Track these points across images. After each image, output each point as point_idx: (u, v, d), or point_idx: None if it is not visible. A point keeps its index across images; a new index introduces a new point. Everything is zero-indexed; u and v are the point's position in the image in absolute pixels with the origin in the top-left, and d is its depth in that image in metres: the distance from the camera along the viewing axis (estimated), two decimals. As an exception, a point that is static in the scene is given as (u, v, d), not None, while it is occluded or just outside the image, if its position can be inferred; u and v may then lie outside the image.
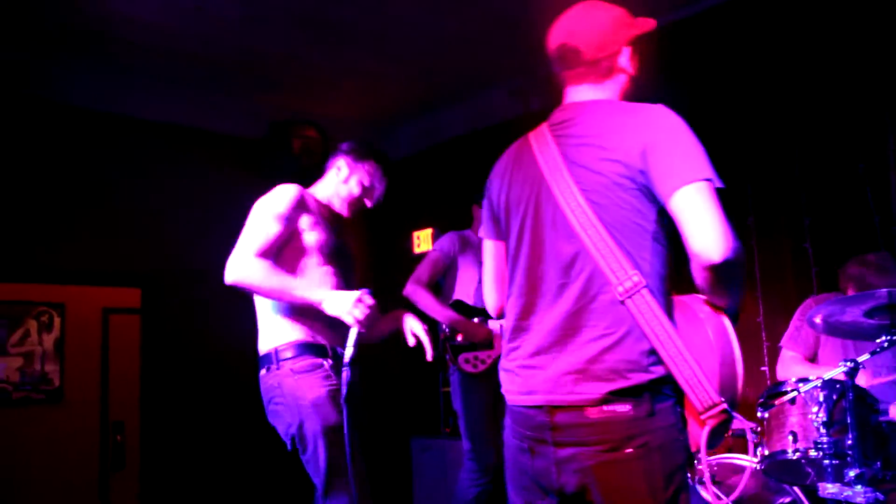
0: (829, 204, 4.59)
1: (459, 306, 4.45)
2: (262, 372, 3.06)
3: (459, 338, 4.37)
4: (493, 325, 4.45)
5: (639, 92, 2.23)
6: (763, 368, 4.70)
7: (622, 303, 1.91)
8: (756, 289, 4.85)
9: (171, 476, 5.81)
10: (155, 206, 5.99)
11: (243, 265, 2.90)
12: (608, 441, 1.90)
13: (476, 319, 4.42)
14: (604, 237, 1.93)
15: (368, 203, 3.35)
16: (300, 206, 3.11)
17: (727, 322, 1.98)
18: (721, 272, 1.86)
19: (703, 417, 1.87)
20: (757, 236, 4.86)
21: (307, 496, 4.31)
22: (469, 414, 4.36)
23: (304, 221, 3.10)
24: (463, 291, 4.52)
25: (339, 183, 3.32)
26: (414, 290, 4.40)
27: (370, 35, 5.32)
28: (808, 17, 4.58)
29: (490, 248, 2.32)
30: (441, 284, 4.66)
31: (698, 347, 1.92)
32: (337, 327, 2.99)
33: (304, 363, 2.97)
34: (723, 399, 1.87)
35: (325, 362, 2.99)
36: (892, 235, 4.26)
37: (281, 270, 2.95)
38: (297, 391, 2.94)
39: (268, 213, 3.02)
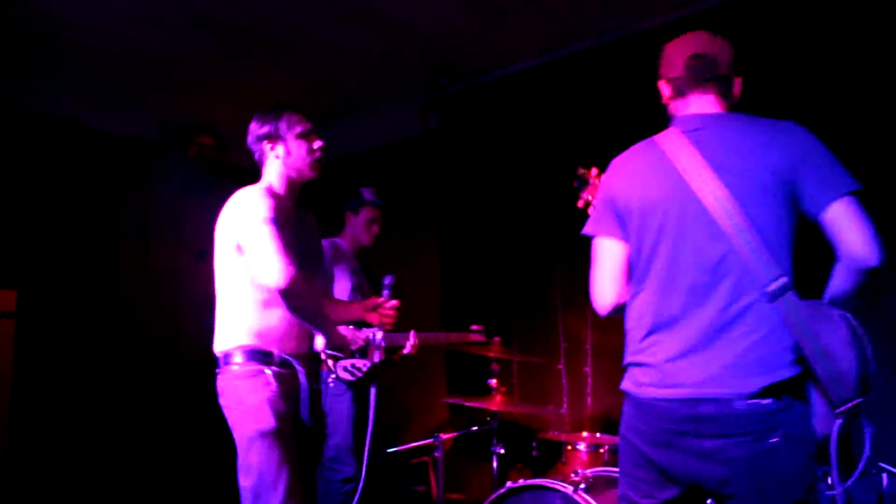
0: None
1: None
2: (217, 373, 3.06)
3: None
4: (367, 333, 4.50)
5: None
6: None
7: (770, 302, 2.07)
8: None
9: (38, 493, 5.63)
10: (35, 205, 5.84)
11: (292, 272, 2.84)
12: (753, 432, 2.04)
13: (350, 328, 4.46)
14: (753, 239, 2.09)
15: (319, 144, 3.21)
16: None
17: (858, 323, 2.12)
18: (874, 275, 2.05)
19: (837, 411, 2.03)
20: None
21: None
22: (340, 421, 4.37)
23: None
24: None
25: (283, 163, 3.16)
26: None
27: (267, 44, 5.33)
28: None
29: (609, 247, 2.39)
30: None
31: (836, 345, 2.06)
32: (294, 337, 3.07)
33: (247, 368, 2.97)
34: (859, 395, 2.03)
35: (267, 369, 2.96)
36: (805, 247, 4.58)
37: None
38: (237, 394, 2.95)
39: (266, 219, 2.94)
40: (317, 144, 3.17)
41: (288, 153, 3.13)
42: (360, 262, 4.78)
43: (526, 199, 5.67)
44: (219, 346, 3.05)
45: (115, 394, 6.00)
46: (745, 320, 2.09)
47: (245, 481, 2.89)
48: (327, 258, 4.51)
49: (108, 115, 6.19)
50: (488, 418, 4.28)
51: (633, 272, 2.33)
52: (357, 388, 4.45)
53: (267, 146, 3.15)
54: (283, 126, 3.14)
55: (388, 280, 3.36)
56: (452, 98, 5.91)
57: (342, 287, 4.56)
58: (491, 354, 4.38)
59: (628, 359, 2.30)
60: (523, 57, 5.55)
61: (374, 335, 4.52)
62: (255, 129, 3.18)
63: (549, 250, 5.53)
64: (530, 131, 5.61)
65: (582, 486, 3.48)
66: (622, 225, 2.35)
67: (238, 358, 2.98)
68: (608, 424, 4.86)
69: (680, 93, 2.39)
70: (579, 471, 3.75)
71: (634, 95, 5.05)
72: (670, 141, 2.30)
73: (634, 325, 2.28)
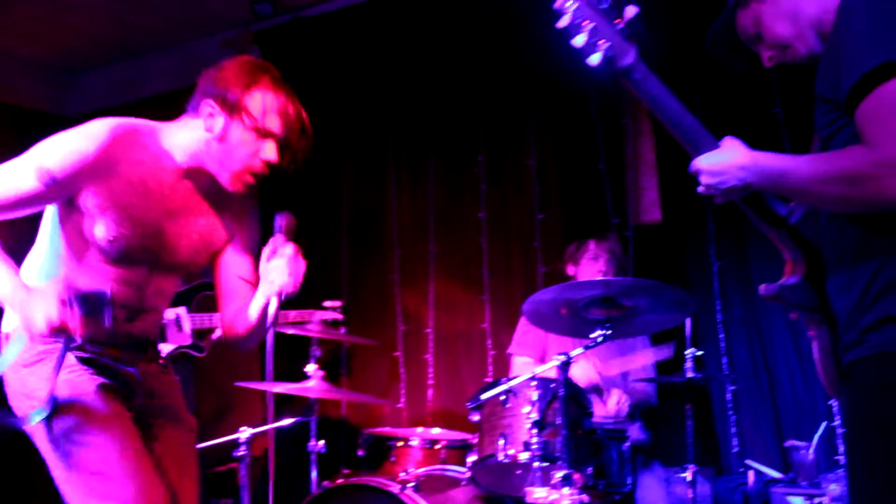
0: (564, 202, 4.99)
1: None
2: None
3: None
4: (167, 314, 4.31)
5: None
6: (487, 379, 4.97)
7: None
8: (483, 292, 5.14)
9: None
10: None
11: None
12: None
13: None
14: None
15: (271, 158, 2.46)
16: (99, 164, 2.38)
17: None
18: None
19: None
20: (488, 232, 5.18)
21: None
22: None
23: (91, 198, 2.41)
24: None
25: (212, 141, 2.47)
26: None
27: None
28: None
29: None
30: None
31: None
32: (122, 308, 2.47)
33: (33, 352, 2.43)
34: None
35: (65, 349, 2.40)
36: (626, 239, 4.70)
37: None
38: (24, 388, 2.44)
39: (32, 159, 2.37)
40: (268, 155, 2.46)
41: (224, 138, 2.44)
42: None
43: (361, 153, 5.63)
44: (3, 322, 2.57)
45: None
46: None
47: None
48: None
49: None
50: (306, 409, 4.19)
51: None
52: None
53: (208, 108, 2.45)
54: (250, 102, 2.42)
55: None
56: (276, 32, 5.82)
57: None
58: (314, 335, 4.28)
59: None
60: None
61: (176, 316, 4.35)
62: (217, 80, 2.46)
63: (387, 216, 5.49)
64: (362, 73, 5.61)
65: (410, 484, 3.45)
66: None
67: (22, 338, 2.42)
68: (450, 420, 4.85)
69: None
70: (410, 470, 3.72)
71: (462, 40, 5.26)
72: None
73: None
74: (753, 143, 1.98)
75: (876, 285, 1.80)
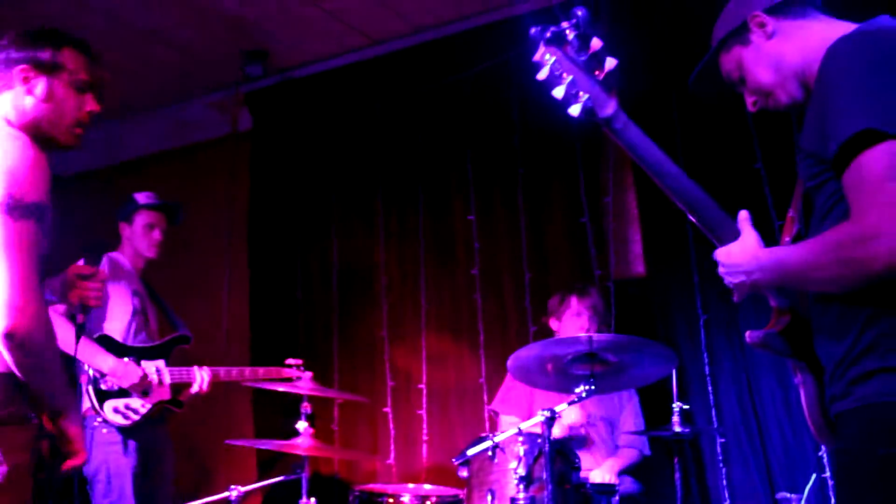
0: (551, 258, 5.05)
1: (106, 343, 4.22)
2: None
3: (107, 383, 4.14)
4: (148, 367, 4.24)
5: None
6: (483, 434, 4.97)
7: None
8: (479, 347, 5.17)
9: None
10: None
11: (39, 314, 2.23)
12: None
13: (127, 360, 4.22)
14: None
15: (92, 107, 2.56)
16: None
17: None
18: None
19: None
20: (482, 290, 5.21)
21: None
22: (115, 478, 4.09)
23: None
24: (112, 325, 4.28)
25: (36, 105, 2.46)
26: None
27: (37, 17, 5.17)
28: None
29: None
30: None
31: None
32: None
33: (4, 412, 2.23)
34: None
35: (34, 417, 2.28)
36: (608, 290, 4.73)
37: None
38: None
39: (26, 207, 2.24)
40: (91, 107, 2.55)
41: (48, 96, 2.45)
42: (144, 282, 4.57)
43: (350, 210, 5.69)
44: None
45: None
46: None
47: None
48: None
49: None
50: (296, 467, 4.17)
51: None
52: (134, 434, 4.21)
53: (22, 74, 2.45)
54: (65, 60, 2.48)
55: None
56: (266, 93, 5.88)
57: (121, 308, 4.32)
58: (304, 392, 4.28)
59: None
60: (345, 49, 5.66)
61: (157, 370, 4.31)
62: (22, 45, 2.48)
63: (375, 273, 5.54)
64: (351, 132, 5.70)
65: None
66: None
67: None
68: (442, 475, 4.84)
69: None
70: (401, 526, 3.73)
71: (456, 98, 5.32)
72: None
73: None
74: (734, 191, 1.99)
75: (864, 339, 1.80)
